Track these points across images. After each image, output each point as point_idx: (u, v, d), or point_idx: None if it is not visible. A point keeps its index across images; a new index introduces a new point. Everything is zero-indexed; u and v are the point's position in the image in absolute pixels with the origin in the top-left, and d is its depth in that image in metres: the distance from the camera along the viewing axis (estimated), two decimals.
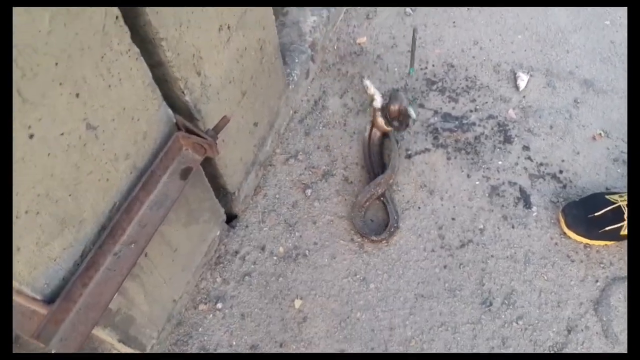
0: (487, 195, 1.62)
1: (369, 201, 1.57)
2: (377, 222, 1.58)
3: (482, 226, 1.56)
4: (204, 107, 1.14)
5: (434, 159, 1.69)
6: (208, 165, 1.32)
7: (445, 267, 1.50)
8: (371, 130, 1.67)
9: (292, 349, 1.40)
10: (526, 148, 1.70)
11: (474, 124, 1.75)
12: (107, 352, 1.31)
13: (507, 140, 1.72)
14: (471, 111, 1.78)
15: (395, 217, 1.55)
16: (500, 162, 1.67)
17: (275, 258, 1.53)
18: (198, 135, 1.04)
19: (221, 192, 1.46)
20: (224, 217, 1.48)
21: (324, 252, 1.54)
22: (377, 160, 1.66)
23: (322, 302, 1.46)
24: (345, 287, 1.48)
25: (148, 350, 1.27)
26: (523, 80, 1.82)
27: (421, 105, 1.81)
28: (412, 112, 1.61)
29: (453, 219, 1.58)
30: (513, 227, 1.56)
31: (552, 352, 1.39)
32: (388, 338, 1.41)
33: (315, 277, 1.50)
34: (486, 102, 1.80)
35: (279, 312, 1.45)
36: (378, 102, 1.63)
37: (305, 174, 1.68)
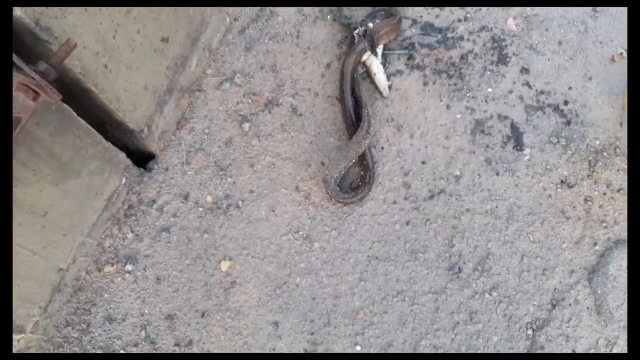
0: (469, 132, 1.28)
1: (351, 163, 1.26)
2: (349, 178, 1.27)
3: (458, 172, 1.25)
4: (57, 22, 0.80)
5: (407, 84, 1.34)
6: (88, 100, 0.99)
7: (407, 223, 1.22)
8: (356, 60, 1.30)
9: (216, 319, 1.17)
10: (525, 70, 1.33)
11: (461, 38, 1.37)
12: None
13: (502, 60, 1.34)
14: (459, 20, 1.39)
15: (373, 171, 1.24)
16: (490, 90, 1.32)
17: (200, 209, 1.25)
18: (27, 75, 0.71)
19: (123, 130, 1.14)
20: (127, 162, 1.18)
21: (261, 202, 1.25)
22: (357, 97, 1.31)
23: (255, 264, 1.20)
24: (285, 247, 1.21)
25: (30, 329, 1.04)
26: None
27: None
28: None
29: (423, 162, 1.27)
30: (497, 173, 1.25)
31: (529, 329, 1.14)
32: (332, 309, 1.17)
33: (248, 233, 1.23)
34: (479, 9, 1.40)
35: (203, 276, 1.20)
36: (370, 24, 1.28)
37: (244, 102, 1.35)
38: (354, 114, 1.28)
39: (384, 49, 1.36)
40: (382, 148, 1.29)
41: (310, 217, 1.23)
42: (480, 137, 1.27)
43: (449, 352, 1.13)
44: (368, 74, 1.33)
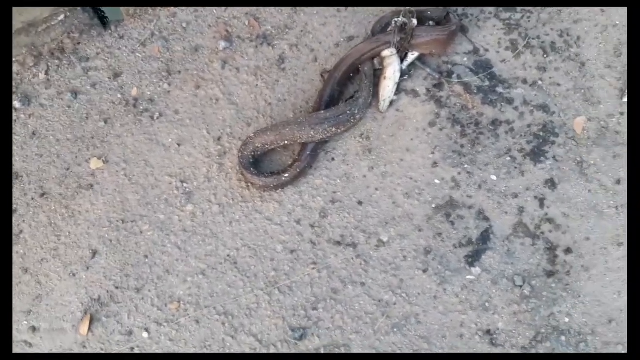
0: (433, 206, 0.98)
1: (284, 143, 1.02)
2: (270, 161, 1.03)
3: (386, 238, 0.97)
4: None
5: (412, 111, 1.05)
6: None
7: (292, 251, 0.97)
8: (373, 50, 1.04)
9: (50, 208, 1.02)
10: (551, 184, 0.99)
11: (509, 101, 1.04)
12: None
13: (535, 155, 1.00)
14: (525, 82, 1.05)
15: (300, 169, 1.00)
16: (494, 177, 1.00)
17: (119, 96, 1.08)
18: None
19: None
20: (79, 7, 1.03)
21: (175, 129, 1.06)
22: (337, 93, 1.05)
23: (122, 183, 1.03)
24: (161, 187, 1.03)
25: None
26: None
27: (464, 30, 1.10)
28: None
29: (360, 203, 1.00)
30: (425, 271, 0.95)
31: None
32: (153, 279, 0.97)
33: (140, 150, 1.05)
34: (559, 84, 1.05)
35: (71, 159, 1.05)
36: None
37: (240, 20, 1.13)
38: (324, 103, 1.03)
39: (417, 58, 1.07)
40: (333, 159, 1.03)
41: (207, 176, 1.02)
42: (440, 220, 0.97)
43: None
44: (379, 74, 1.05)
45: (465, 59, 1.07)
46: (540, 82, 1.05)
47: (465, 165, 1.00)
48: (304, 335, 0.92)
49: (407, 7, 1.03)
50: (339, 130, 1.00)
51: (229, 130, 1.06)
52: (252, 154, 1.00)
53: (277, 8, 1.15)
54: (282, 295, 0.94)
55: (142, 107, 1.08)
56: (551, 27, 1.09)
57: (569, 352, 0.89)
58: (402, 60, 1.06)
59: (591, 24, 1.09)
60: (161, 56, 1.11)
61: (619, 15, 1.09)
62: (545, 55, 1.06)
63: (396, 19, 1.03)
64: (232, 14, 1.14)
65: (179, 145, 1.05)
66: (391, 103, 1.05)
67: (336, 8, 1.14)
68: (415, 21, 1.02)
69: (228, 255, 0.98)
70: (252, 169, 0.99)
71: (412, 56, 1.06)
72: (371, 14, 1.13)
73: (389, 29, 1.04)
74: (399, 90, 1.06)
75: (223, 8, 1.14)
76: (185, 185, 1.02)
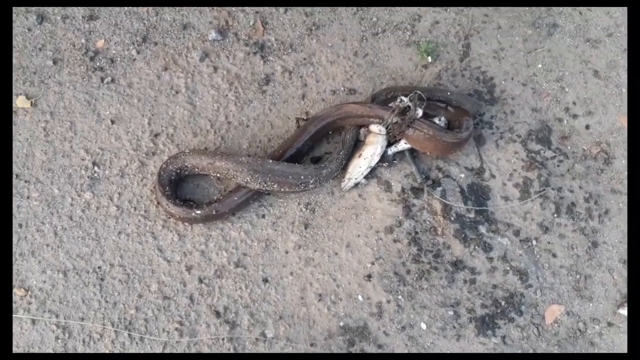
0: (338, 325, 0.81)
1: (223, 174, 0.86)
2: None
3: (271, 335, 0.81)
4: None
5: (375, 206, 0.87)
6: None
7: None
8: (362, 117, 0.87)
9: None
10: None
11: (489, 248, 0.85)
12: None
13: (484, 325, 0.81)
14: (517, 235, 0.86)
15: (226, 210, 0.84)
16: (423, 326, 0.81)
17: (83, 41, 0.94)
18: None
19: None
20: None
21: (124, 104, 0.92)
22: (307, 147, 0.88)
23: (38, 135, 0.89)
24: (73, 165, 0.89)
25: None
26: None
27: (479, 141, 0.90)
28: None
29: (265, 280, 0.83)
30: None
31: None
32: (19, 253, 0.84)
33: (74, 108, 0.91)
34: (555, 256, 0.85)
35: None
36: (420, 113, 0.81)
37: (248, 18, 0.97)
38: (288, 153, 0.86)
39: (409, 149, 0.88)
40: (263, 216, 0.86)
41: (123, 170, 0.88)
42: (340, 345, 0.80)
43: None
44: (358, 148, 0.88)
45: (463, 176, 0.88)
46: (534, 243, 0.85)
47: (400, 297, 0.82)
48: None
49: (419, 92, 0.84)
50: (281, 189, 0.84)
51: (172, 131, 0.90)
52: (178, 171, 0.85)
53: (293, 22, 0.98)
54: (130, 341, 0.80)
55: (98, 64, 0.93)
56: (581, 184, 0.88)
57: None
58: (390, 143, 0.88)
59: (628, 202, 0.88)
60: (147, 18, 0.96)
61: None
62: (556, 215, 0.86)
63: (402, 98, 0.85)
64: (244, 9, 0.98)
65: (112, 122, 0.91)
66: (357, 185, 0.87)
67: (354, 51, 0.96)
68: (420, 112, 0.84)
69: (99, 267, 0.83)
70: (167, 187, 0.83)
71: (404, 145, 0.88)
72: (388, 75, 0.95)
73: (390, 104, 0.86)
74: (372, 174, 0.88)
75: None
76: (95, 169, 0.88)
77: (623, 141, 0.92)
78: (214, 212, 0.82)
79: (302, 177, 0.83)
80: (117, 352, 0.79)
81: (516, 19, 0.99)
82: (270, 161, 0.83)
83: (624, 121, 0.93)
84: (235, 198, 0.83)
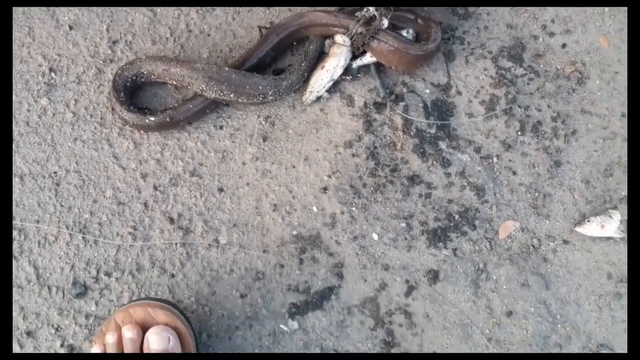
0: (291, 234, 0.81)
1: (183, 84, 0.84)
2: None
3: (224, 242, 0.81)
4: None
5: (336, 120, 0.85)
6: None
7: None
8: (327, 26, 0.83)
9: None
10: (434, 280, 0.80)
11: (448, 164, 0.83)
12: None
13: (436, 238, 0.81)
14: (478, 152, 0.84)
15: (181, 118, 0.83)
16: (375, 236, 0.81)
17: None
18: None
19: None
20: None
21: (85, 11, 0.89)
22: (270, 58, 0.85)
23: None
24: (30, 71, 0.87)
25: None
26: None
27: (448, 57, 0.87)
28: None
29: (220, 189, 0.83)
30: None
31: None
32: None
33: (33, 14, 0.89)
34: (515, 173, 0.83)
35: None
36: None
37: None
38: (249, 64, 0.84)
39: (375, 66, 0.86)
40: (221, 127, 0.85)
41: (80, 77, 0.86)
42: (292, 252, 0.81)
43: None
44: (319, 60, 0.85)
45: (428, 91, 0.86)
46: (495, 160, 0.84)
47: (354, 208, 0.82)
48: (82, 295, 0.79)
49: (391, 5, 0.81)
50: (239, 99, 0.82)
51: (130, 38, 0.88)
52: (134, 77, 0.83)
53: None
54: (84, 243, 0.81)
55: None
56: (550, 103, 0.86)
57: None
58: (356, 56, 0.85)
59: (600, 123, 0.85)
60: None
61: None
62: (520, 133, 0.84)
63: (369, 7, 0.81)
64: None
65: (70, 28, 0.88)
66: (319, 99, 0.85)
67: None
68: (385, 22, 0.80)
69: (55, 173, 0.83)
70: (122, 94, 0.82)
71: (369, 58, 0.85)
72: None
73: (356, 13, 0.83)
74: (336, 89, 0.86)
75: None
76: (52, 75, 0.86)
77: (599, 61, 0.88)
78: (168, 119, 0.81)
79: (261, 87, 0.81)
80: (72, 254, 0.80)
81: None
82: (227, 69, 0.80)
83: (603, 41, 0.89)
84: (191, 106, 0.82)
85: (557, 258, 0.81)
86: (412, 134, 0.83)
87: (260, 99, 0.82)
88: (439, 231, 0.81)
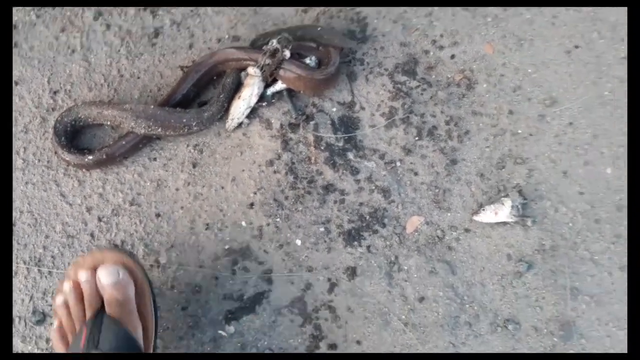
0: (223, 248, 0.92)
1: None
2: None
3: (164, 261, 0.91)
4: None
5: (257, 142, 0.96)
6: None
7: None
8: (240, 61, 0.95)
9: None
10: (352, 276, 0.90)
11: (357, 171, 0.94)
12: None
13: (351, 238, 0.92)
14: (382, 158, 0.95)
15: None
16: (298, 242, 0.92)
17: None
18: None
19: None
20: None
21: (28, 68, 1.00)
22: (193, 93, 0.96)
23: None
24: None
25: None
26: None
27: (351, 77, 0.98)
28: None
29: (157, 215, 0.93)
30: None
31: None
32: None
33: None
34: (417, 174, 0.94)
35: None
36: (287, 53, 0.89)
37: None
38: (174, 100, 0.95)
39: (287, 92, 0.97)
40: (155, 159, 0.96)
41: (27, 127, 0.97)
42: (225, 264, 0.91)
43: None
44: (237, 91, 0.96)
45: (334, 109, 0.97)
46: (398, 164, 0.94)
47: (278, 219, 0.92)
48: (41, 322, 0.89)
49: (285, 35, 0.92)
50: (166, 133, 0.92)
51: (69, 87, 0.99)
52: (73, 123, 0.94)
53: None
54: (40, 275, 0.90)
55: None
56: (443, 109, 0.97)
57: None
58: (269, 85, 0.96)
59: (490, 122, 0.96)
60: None
61: (525, 124, 0.96)
62: (417, 138, 0.95)
63: (272, 41, 0.92)
64: None
65: (16, 84, 0.99)
66: (240, 125, 0.96)
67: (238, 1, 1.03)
68: (287, 53, 0.91)
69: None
70: (63, 138, 0.93)
71: (281, 85, 0.96)
72: (271, 21, 1.02)
73: (263, 47, 0.94)
74: (255, 115, 0.97)
75: None
76: None
77: (486, 67, 1.00)
78: (104, 157, 0.92)
79: (185, 120, 0.92)
80: (30, 285, 0.90)
81: None
82: (152, 107, 0.91)
83: (488, 49, 1.00)
84: (124, 142, 0.92)
85: (461, 245, 0.91)
86: (322, 148, 0.94)
87: (186, 130, 0.93)
88: (354, 232, 0.91)
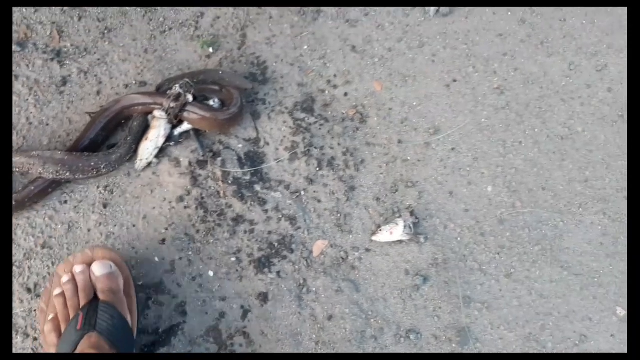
0: (137, 285, 0.94)
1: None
2: None
3: None
4: None
5: (167, 180, 1.01)
6: None
7: None
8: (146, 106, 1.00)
9: None
10: (264, 301, 0.96)
11: (264, 202, 1.01)
12: None
13: (261, 265, 0.97)
14: (288, 189, 1.02)
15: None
16: (211, 274, 0.96)
17: None
18: None
19: None
20: None
21: None
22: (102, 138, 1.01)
23: None
24: None
25: None
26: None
27: (254, 116, 1.06)
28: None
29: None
30: None
31: None
32: None
33: None
34: (320, 201, 1.02)
35: None
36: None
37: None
38: (82, 145, 0.98)
39: (195, 131, 1.03)
40: (65, 202, 0.98)
41: None
42: (138, 301, 0.93)
43: None
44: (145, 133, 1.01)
45: (241, 146, 1.04)
46: (302, 193, 1.02)
47: (190, 252, 0.97)
48: None
49: (187, 80, 0.99)
50: (75, 177, 0.95)
51: None
52: None
53: (87, 28, 1.10)
54: None
55: None
56: (339, 141, 1.06)
57: None
58: (175, 126, 1.02)
59: (382, 151, 1.07)
60: None
61: (414, 151, 1.07)
62: (318, 168, 1.04)
63: (176, 86, 0.99)
64: (39, 18, 1.09)
65: None
66: (150, 164, 1.01)
67: (144, 49, 1.09)
68: (190, 97, 0.98)
69: None
70: None
71: (187, 125, 1.02)
72: (176, 67, 1.09)
73: (167, 92, 1.00)
74: (164, 154, 1.02)
75: (33, 9, 1.09)
76: None
77: (376, 102, 1.11)
78: (13, 203, 0.93)
79: (93, 163, 0.95)
80: None
81: (285, 9, 1.16)
82: (59, 152, 0.94)
83: (377, 86, 1.12)
84: (32, 188, 0.94)
85: (363, 264, 0.99)
86: (230, 182, 1.01)
87: (95, 172, 0.96)
88: (263, 259, 0.97)
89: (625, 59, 1.16)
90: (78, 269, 0.82)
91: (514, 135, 1.10)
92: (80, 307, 0.78)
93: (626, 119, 1.11)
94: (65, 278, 0.82)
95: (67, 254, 0.95)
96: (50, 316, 0.80)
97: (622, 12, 1.20)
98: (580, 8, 1.21)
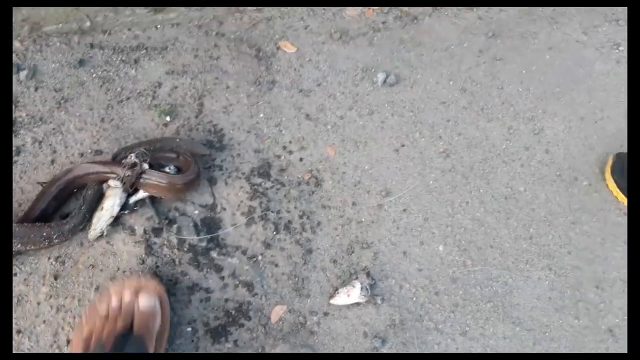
0: None
1: None
2: None
3: None
4: None
5: (121, 249, 0.99)
6: None
7: None
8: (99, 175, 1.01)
9: None
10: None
11: (220, 269, 1.01)
12: None
13: (217, 334, 0.96)
14: (245, 254, 1.02)
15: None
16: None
17: None
18: None
19: None
20: None
21: None
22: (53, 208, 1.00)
23: None
24: None
25: None
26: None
27: (211, 181, 1.08)
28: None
29: (19, 332, 0.91)
30: None
31: None
32: None
33: None
34: (277, 265, 1.03)
35: None
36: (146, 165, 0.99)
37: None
38: (33, 215, 0.96)
39: (150, 199, 1.03)
40: (15, 274, 0.95)
41: None
42: None
43: None
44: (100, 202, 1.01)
45: (197, 212, 1.05)
46: (259, 258, 1.03)
47: None
48: None
49: (143, 149, 1.00)
50: (27, 248, 0.93)
51: None
52: None
53: (43, 98, 1.10)
54: None
55: None
56: (296, 205, 1.09)
57: None
58: (131, 194, 1.02)
59: (337, 213, 1.10)
60: None
61: (367, 213, 1.11)
62: (275, 232, 1.05)
63: (131, 155, 1.00)
64: None
65: None
66: (103, 233, 1.00)
67: (101, 118, 1.11)
68: (146, 165, 0.99)
69: None
70: None
71: (143, 193, 1.02)
72: (133, 135, 1.10)
73: (122, 160, 1.01)
74: (119, 222, 1.01)
75: None
76: None
77: (330, 166, 1.15)
78: None
79: (45, 233, 0.94)
80: None
81: (241, 79, 1.21)
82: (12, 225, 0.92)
83: (331, 151, 1.16)
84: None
85: (321, 328, 0.99)
86: (185, 249, 1.00)
87: (47, 243, 0.94)
88: (220, 328, 0.96)
89: (560, 123, 1.26)
90: (127, 297, 0.85)
91: (461, 195, 1.15)
92: (116, 334, 0.81)
93: (564, 179, 1.19)
94: (114, 303, 0.85)
95: (16, 329, 0.91)
96: (85, 334, 0.83)
97: (555, 80, 1.31)
98: (515, 75, 1.31)
